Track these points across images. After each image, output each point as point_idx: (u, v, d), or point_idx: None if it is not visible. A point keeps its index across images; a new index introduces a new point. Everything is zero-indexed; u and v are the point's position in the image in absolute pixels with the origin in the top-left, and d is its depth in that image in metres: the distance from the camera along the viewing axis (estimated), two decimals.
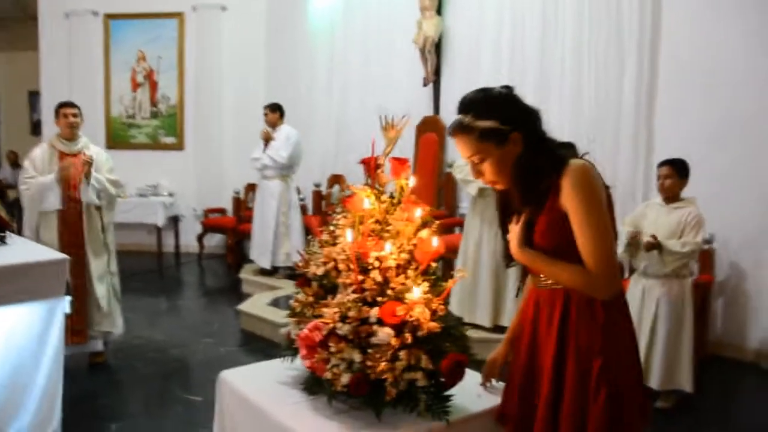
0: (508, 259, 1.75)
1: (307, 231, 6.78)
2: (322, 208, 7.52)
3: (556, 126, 5.60)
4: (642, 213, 3.97)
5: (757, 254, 4.67)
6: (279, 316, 5.11)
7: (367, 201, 1.87)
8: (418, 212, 1.87)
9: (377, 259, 1.77)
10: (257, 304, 5.49)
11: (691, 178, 3.85)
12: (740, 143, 4.71)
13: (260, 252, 6.59)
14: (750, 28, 4.66)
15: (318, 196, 7.66)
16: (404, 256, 1.79)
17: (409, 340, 1.66)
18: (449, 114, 6.62)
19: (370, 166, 1.96)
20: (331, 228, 2.01)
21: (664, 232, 3.75)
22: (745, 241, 4.72)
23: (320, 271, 1.90)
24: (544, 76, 5.83)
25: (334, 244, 1.93)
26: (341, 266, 1.85)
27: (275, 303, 5.55)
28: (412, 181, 1.94)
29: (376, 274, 1.75)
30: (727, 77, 4.77)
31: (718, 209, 4.39)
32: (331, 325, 1.73)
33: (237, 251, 7.81)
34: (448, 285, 1.76)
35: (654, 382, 3.74)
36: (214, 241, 8.48)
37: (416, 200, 1.91)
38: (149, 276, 7.34)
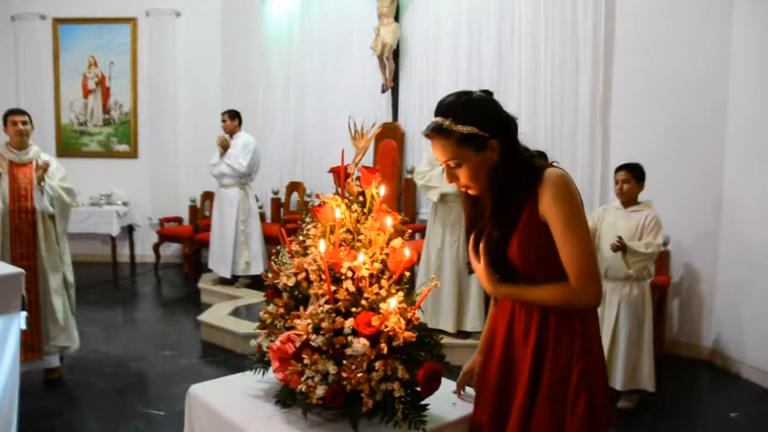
0: (470, 267, 1.75)
1: (267, 239, 6.73)
2: (280, 216, 7.46)
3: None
4: (600, 217, 4.05)
5: (709, 255, 4.82)
6: (240, 326, 5.05)
7: (337, 210, 1.85)
8: (389, 221, 1.86)
9: (350, 269, 1.76)
10: (217, 314, 5.40)
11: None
12: (691, 148, 4.86)
13: (219, 261, 6.51)
14: (701, 36, 4.82)
15: (276, 204, 7.60)
16: (377, 265, 1.78)
17: (385, 351, 1.65)
18: (408, 120, 6.66)
19: (340, 175, 1.94)
20: (301, 238, 1.98)
21: (623, 235, 3.83)
22: (697, 242, 4.87)
23: (291, 282, 1.88)
24: (501, 83, 5.92)
25: (305, 255, 1.91)
26: (312, 276, 1.83)
27: (236, 313, 5.48)
28: (382, 190, 1.94)
29: (349, 284, 1.74)
30: (678, 84, 4.93)
31: (671, 212, 4.52)
32: (305, 337, 1.71)
33: (194, 260, 7.69)
34: (423, 293, 1.75)
35: (617, 383, 3.82)
36: (170, 250, 8.33)
37: (387, 209, 1.91)
38: (104, 287, 7.16)
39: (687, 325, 4.96)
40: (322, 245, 1.79)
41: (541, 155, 1.72)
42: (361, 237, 1.87)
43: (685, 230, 4.86)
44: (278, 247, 2.06)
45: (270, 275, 2.00)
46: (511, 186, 1.59)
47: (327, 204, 1.89)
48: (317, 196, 1.94)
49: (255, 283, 6.47)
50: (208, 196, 7.97)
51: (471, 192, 1.70)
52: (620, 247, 3.74)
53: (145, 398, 4.04)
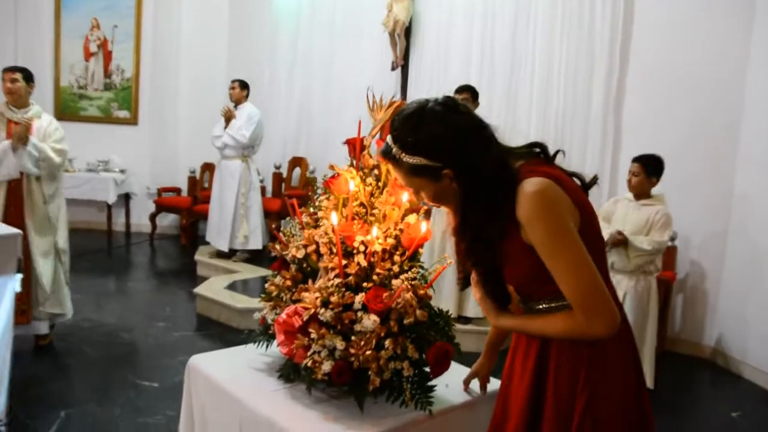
0: (465, 282, 1.60)
1: (267, 214, 6.70)
2: (282, 191, 7.43)
3: (524, 118, 5.76)
4: (611, 209, 4.03)
5: (717, 254, 4.81)
6: (237, 300, 5.04)
7: (351, 183, 1.82)
8: (405, 196, 1.83)
9: (362, 243, 1.74)
10: (213, 288, 5.39)
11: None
12: (704, 146, 4.84)
13: (217, 234, 6.49)
14: (720, 34, 4.77)
15: (278, 179, 7.56)
16: (390, 241, 1.76)
17: (395, 329, 1.63)
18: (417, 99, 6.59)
19: (356, 147, 1.91)
20: (313, 210, 1.96)
21: (632, 228, 3.82)
22: (705, 240, 4.85)
23: (300, 254, 1.86)
24: (514, 68, 5.86)
25: (316, 227, 1.89)
26: (323, 249, 1.81)
27: (232, 287, 5.47)
28: None
29: (360, 259, 1.72)
30: (694, 82, 4.88)
31: (681, 208, 4.50)
32: (312, 311, 1.69)
33: (191, 232, 7.66)
34: (436, 270, 1.73)
35: None
36: (167, 221, 8.29)
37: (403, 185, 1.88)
38: (98, 255, 7.13)
39: (689, 323, 4.96)
40: (335, 217, 1.76)
41: (535, 147, 1.50)
42: (375, 211, 1.85)
43: (694, 227, 4.84)
44: (287, 218, 2.03)
45: (278, 247, 1.97)
46: (479, 222, 1.42)
47: (341, 176, 1.87)
48: (331, 167, 1.91)
49: (253, 257, 6.45)
50: (208, 168, 7.93)
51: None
52: (621, 241, 3.74)
53: (137, 369, 4.03)
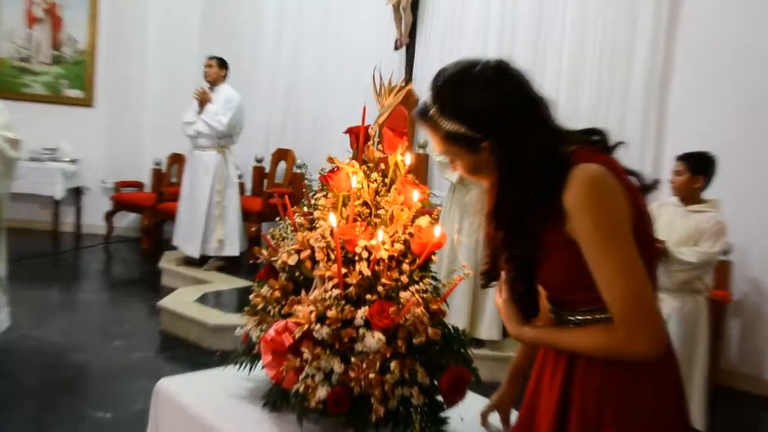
0: (488, 278, 1.65)
1: (245, 215, 6.74)
2: (263, 188, 7.47)
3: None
4: (655, 214, 4.07)
5: None
6: (208, 316, 5.07)
7: (353, 178, 1.86)
8: (416, 195, 1.87)
9: (366, 248, 1.77)
10: (181, 301, 5.41)
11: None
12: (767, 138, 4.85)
13: (187, 237, 6.52)
14: None
15: (259, 174, 7.61)
16: (398, 246, 1.80)
17: (403, 349, 1.67)
18: (424, 84, 6.60)
19: (359, 138, 1.95)
20: (307, 209, 2.00)
21: (678, 238, 3.83)
22: (767, 254, 4.86)
23: (292, 261, 1.89)
24: (539, 45, 5.90)
25: (312, 229, 1.92)
26: (319, 255, 1.84)
27: (203, 300, 5.49)
28: (408, 159, 1.95)
29: (363, 267, 1.75)
30: (757, 61, 4.88)
31: (739, 215, 4.49)
32: (306, 327, 1.72)
33: (155, 235, 7.70)
34: (452, 282, 1.77)
35: None
36: (126, 221, 8.34)
37: (413, 181, 1.92)
38: (41, 261, 7.14)
39: (749, 353, 4.96)
40: (333, 218, 1.80)
41: (594, 134, 1.56)
42: (381, 212, 1.88)
43: (753, 239, 4.83)
44: (276, 219, 2.07)
45: (266, 252, 2.01)
46: (518, 208, 1.45)
47: (342, 170, 1.90)
48: (330, 159, 1.95)
49: (228, 266, 6.48)
50: (176, 160, 7.97)
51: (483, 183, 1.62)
52: (660, 251, 3.75)
53: (87, 397, 4.03)
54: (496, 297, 1.62)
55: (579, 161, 1.41)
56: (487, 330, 4.73)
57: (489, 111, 1.44)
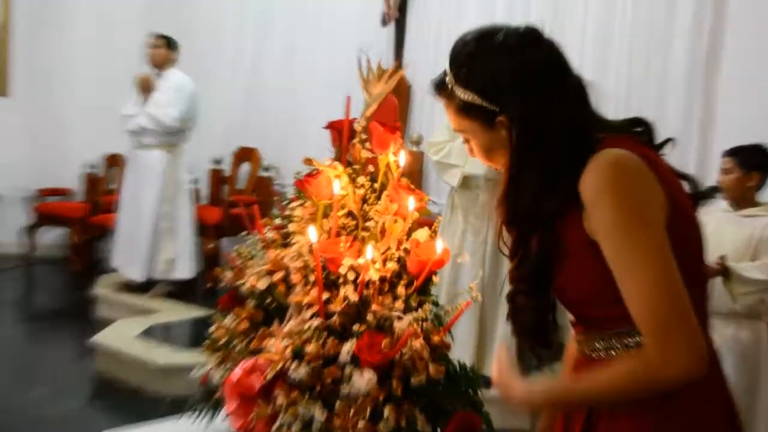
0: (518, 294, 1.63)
1: (201, 228, 6.73)
2: (222, 196, 7.47)
3: None
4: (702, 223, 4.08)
5: None
6: (156, 354, 5.05)
7: (336, 183, 1.88)
8: (412, 203, 1.89)
9: (352, 269, 1.79)
10: (121, 336, 5.40)
11: None
12: None
13: (128, 257, 6.52)
14: None
15: (217, 178, 7.63)
16: (392, 265, 1.81)
17: (399, 391, 1.68)
18: (417, 67, 6.66)
19: (342, 134, 1.96)
20: (280, 221, 2.01)
21: (731, 248, 3.84)
22: None
23: (262, 284, 1.90)
24: (555, 21, 5.93)
25: (286, 245, 1.93)
26: (295, 278, 1.85)
27: (149, 334, 5.48)
28: (402, 158, 1.96)
29: (349, 291, 1.77)
30: None
31: None
32: (280, 365, 1.73)
33: (88, 255, 7.67)
34: (457, 308, 1.79)
35: None
36: (51, 237, 8.31)
37: (409, 185, 1.93)
38: None
39: None
40: (313, 233, 1.81)
41: (629, 127, 1.59)
42: (370, 224, 1.90)
43: None
44: (242, 234, 2.08)
45: (229, 273, 2.02)
46: (532, 192, 1.50)
47: (321, 173, 1.92)
48: (307, 161, 1.96)
49: (180, 291, 6.48)
50: (114, 162, 7.95)
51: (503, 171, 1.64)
52: (721, 270, 3.74)
53: None
54: (494, 365, 1.63)
55: (608, 146, 1.44)
56: None
57: (507, 80, 1.50)
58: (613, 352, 1.48)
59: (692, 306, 1.36)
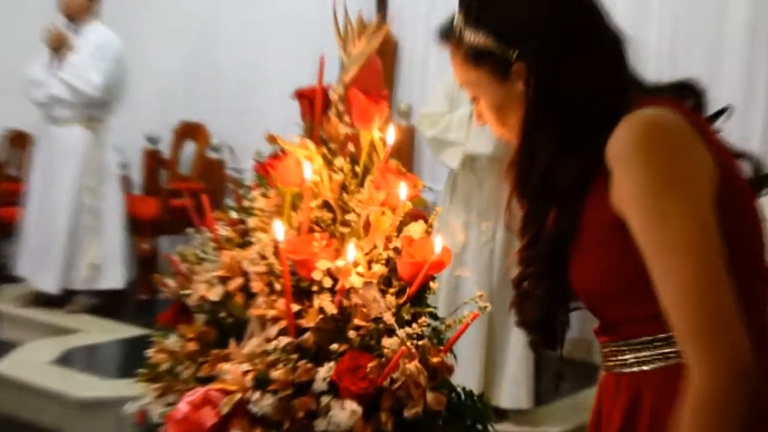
0: (530, 323, 1.66)
1: (134, 224, 6.71)
2: (159, 182, 7.46)
3: None
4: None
5: None
6: (74, 384, 5.03)
7: (307, 167, 1.88)
8: (403, 191, 1.90)
9: (329, 274, 1.80)
10: (31, 363, 5.39)
11: None
12: None
13: (39, 263, 6.49)
14: None
15: (153, 162, 7.60)
16: (378, 269, 1.82)
17: (389, 426, 1.69)
18: (405, 21, 6.68)
19: (314, 104, 1.97)
20: (236, 215, 2.02)
21: None
22: None
23: (214, 295, 1.91)
24: None
25: (244, 245, 1.94)
26: (257, 286, 1.86)
27: (67, 360, 5.47)
28: (391, 135, 1.97)
29: (326, 302, 1.78)
30: None
31: None
32: (238, 396, 1.74)
33: None
34: (462, 321, 1.80)
35: None
36: None
37: (399, 168, 1.94)
38: None
39: None
40: (279, 228, 1.81)
41: (674, 91, 1.59)
42: (351, 217, 1.91)
43: None
44: (189, 229, 2.09)
45: (171, 281, 2.03)
46: (549, 157, 1.53)
47: (289, 155, 1.92)
48: (270, 139, 1.97)
49: (107, 305, 6.48)
50: (18, 141, 7.89)
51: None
52: None
53: None
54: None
55: (643, 106, 1.46)
56: (511, 393, 4.77)
57: (528, 20, 1.53)
58: (646, 367, 1.48)
59: (744, 309, 1.35)
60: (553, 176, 1.51)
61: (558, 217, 1.52)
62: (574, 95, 1.50)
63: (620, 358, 1.53)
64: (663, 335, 1.43)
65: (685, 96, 1.57)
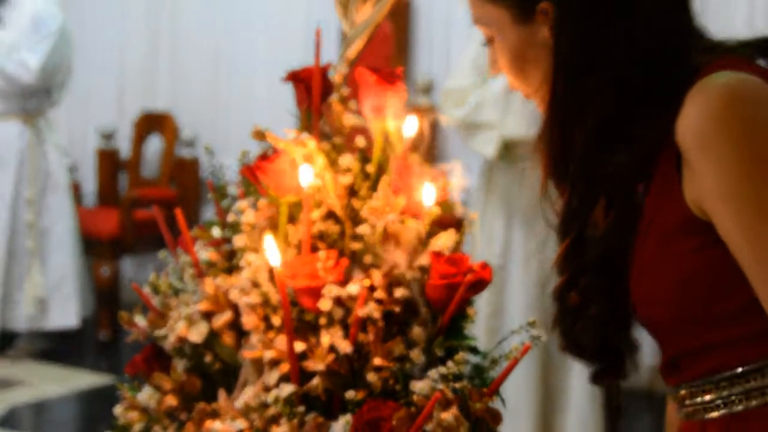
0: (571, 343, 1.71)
1: (89, 244, 6.72)
2: (120, 190, 7.47)
3: None
4: None
5: None
6: None
7: (306, 169, 1.89)
8: (429, 192, 1.90)
9: (339, 302, 1.80)
10: None
11: None
12: None
13: None
14: None
15: (110, 163, 7.61)
16: (401, 292, 1.83)
17: None
18: None
19: (311, 89, 1.98)
20: (218, 233, 2.02)
21: None
22: None
23: (196, 336, 1.92)
24: None
25: (230, 271, 1.95)
26: (249, 321, 1.87)
27: (10, 421, 5.49)
28: (412, 125, 1.98)
29: (337, 338, 1.78)
30: None
31: None
32: None
33: None
34: (511, 356, 1.80)
35: None
36: None
37: (422, 166, 1.94)
38: None
39: None
40: (272, 248, 1.82)
41: (752, 52, 1.59)
42: (363, 229, 1.90)
43: None
44: (161, 252, 2.09)
45: (141, 320, 2.03)
46: (587, 137, 1.55)
47: (282, 154, 1.93)
48: (257, 134, 1.97)
49: (58, 349, 6.48)
50: None
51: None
52: None
53: None
54: None
55: (718, 69, 1.45)
56: None
57: None
58: (739, 407, 1.48)
59: None
60: (596, 161, 1.52)
61: (611, 211, 1.55)
62: (619, 54, 1.50)
63: (700, 397, 1.53)
64: (757, 365, 1.44)
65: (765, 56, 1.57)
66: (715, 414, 1.51)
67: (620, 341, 1.63)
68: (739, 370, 1.45)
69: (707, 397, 1.51)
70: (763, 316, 1.37)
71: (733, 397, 1.48)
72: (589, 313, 1.60)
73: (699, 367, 1.51)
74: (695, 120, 1.39)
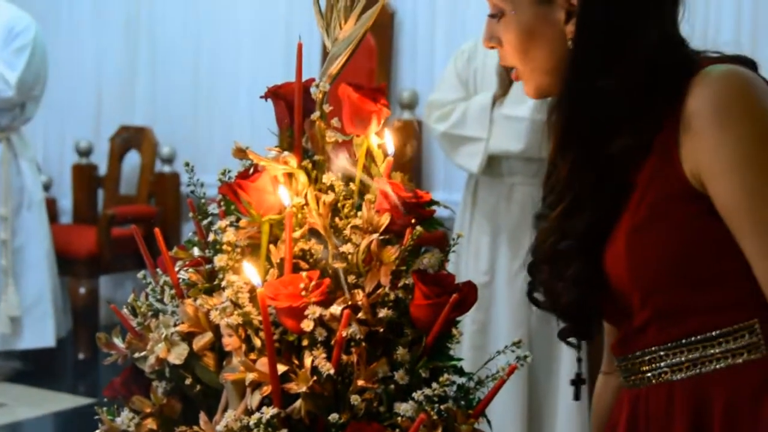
0: (574, 327, 1.80)
1: (65, 263, 6.70)
2: (97, 208, 7.45)
3: None
4: None
5: None
6: None
7: (282, 192, 1.88)
8: (415, 211, 1.90)
9: (321, 322, 1.80)
10: None
11: None
12: None
13: None
14: None
15: (87, 179, 7.59)
16: (385, 313, 1.83)
17: None
18: None
19: (293, 105, 1.98)
20: (198, 252, 2.02)
21: None
22: None
23: (176, 357, 1.91)
24: None
25: (211, 292, 1.95)
26: (230, 343, 1.87)
27: None
28: (389, 142, 1.99)
29: (320, 360, 1.78)
30: None
31: None
32: None
33: None
34: (497, 376, 1.81)
35: None
36: None
37: (405, 184, 1.95)
38: None
39: None
40: (251, 271, 1.82)
41: (738, 62, 1.71)
42: (346, 248, 1.90)
43: None
44: (143, 274, 2.09)
45: (116, 340, 2.03)
46: (606, 106, 1.63)
47: (263, 172, 1.93)
48: (238, 152, 1.98)
49: (34, 370, 6.47)
50: None
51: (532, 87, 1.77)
52: None
53: None
54: None
55: (712, 63, 1.60)
56: None
57: None
58: (709, 368, 1.57)
59: None
60: (601, 141, 1.61)
61: (606, 182, 1.62)
62: (635, 41, 1.60)
63: (667, 359, 1.62)
64: (737, 326, 1.54)
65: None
66: (682, 375, 1.60)
67: (591, 304, 1.71)
68: (714, 333, 1.55)
69: (678, 359, 1.60)
70: (741, 285, 1.50)
71: (704, 359, 1.57)
72: (567, 274, 1.68)
73: (675, 330, 1.61)
74: (712, 99, 1.52)
